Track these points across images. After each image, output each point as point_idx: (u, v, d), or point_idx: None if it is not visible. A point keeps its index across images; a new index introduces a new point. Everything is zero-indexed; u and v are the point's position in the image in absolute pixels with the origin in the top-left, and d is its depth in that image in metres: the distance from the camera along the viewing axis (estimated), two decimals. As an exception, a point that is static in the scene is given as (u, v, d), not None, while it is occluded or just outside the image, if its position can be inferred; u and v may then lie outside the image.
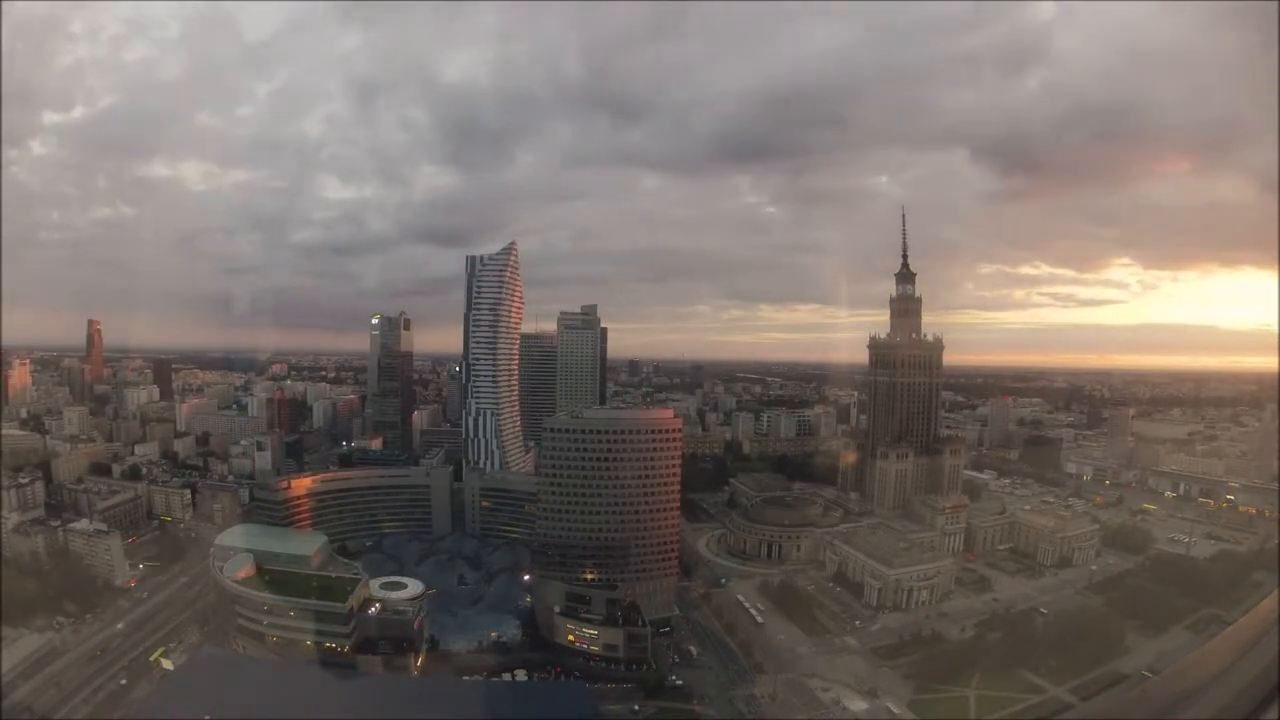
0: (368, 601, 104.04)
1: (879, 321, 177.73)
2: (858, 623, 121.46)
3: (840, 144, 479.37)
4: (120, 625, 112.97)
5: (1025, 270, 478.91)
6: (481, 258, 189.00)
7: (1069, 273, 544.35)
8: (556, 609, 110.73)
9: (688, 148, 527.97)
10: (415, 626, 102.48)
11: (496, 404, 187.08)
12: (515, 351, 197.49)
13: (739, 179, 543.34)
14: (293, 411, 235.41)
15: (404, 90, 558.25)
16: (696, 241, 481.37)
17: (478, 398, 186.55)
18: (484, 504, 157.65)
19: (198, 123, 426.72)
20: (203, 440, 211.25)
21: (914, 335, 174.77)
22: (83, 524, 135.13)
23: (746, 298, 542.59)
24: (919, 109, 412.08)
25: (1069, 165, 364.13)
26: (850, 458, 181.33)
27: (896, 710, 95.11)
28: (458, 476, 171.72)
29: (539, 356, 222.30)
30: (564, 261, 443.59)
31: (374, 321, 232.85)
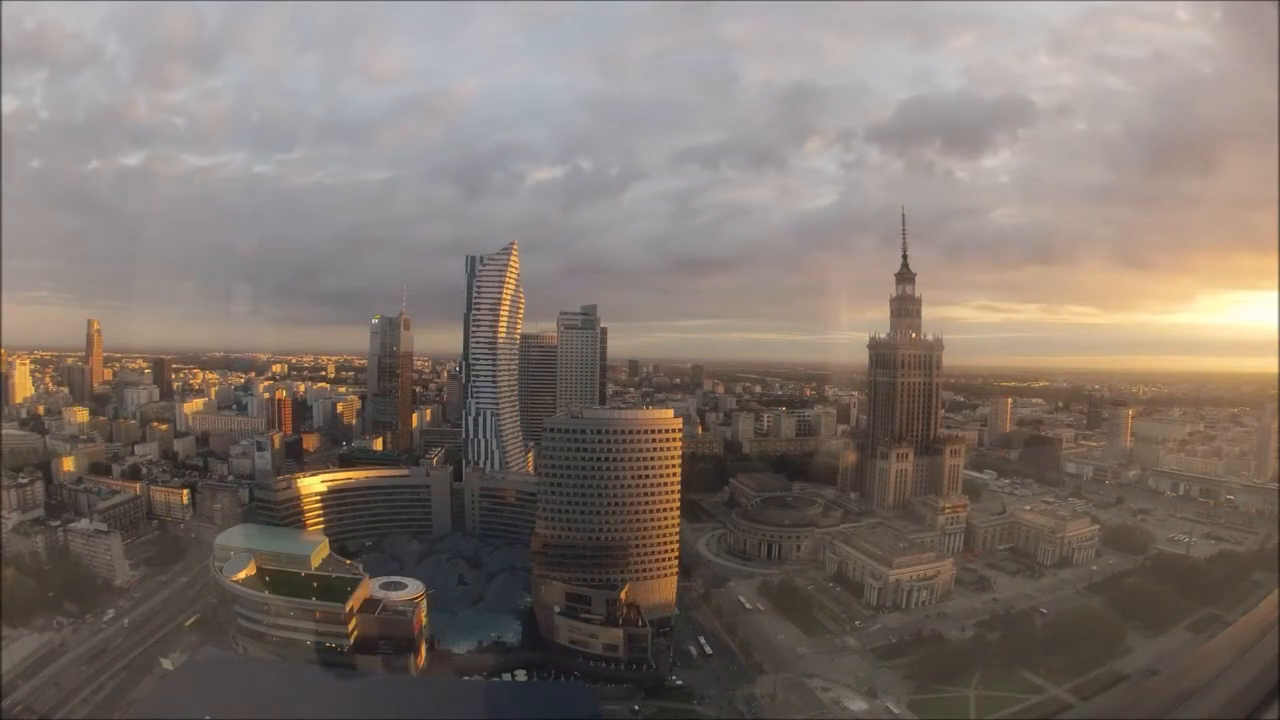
0: (368, 601, 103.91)
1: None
2: (857, 623, 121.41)
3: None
4: (120, 625, 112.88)
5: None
6: (481, 258, 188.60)
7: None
8: (556, 609, 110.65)
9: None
10: (415, 627, 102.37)
11: (496, 404, 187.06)
12: (515, 351, 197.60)
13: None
14: (293, 411, 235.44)
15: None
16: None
17: (478, 398, 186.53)
18: (483, 504, 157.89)
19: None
20: (203, 440, 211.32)
21: (914, 335, 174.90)
22: (83, 524, 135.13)
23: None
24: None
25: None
26: (850, 458, 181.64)
27: (896, 710, 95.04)
28: (458, 476, 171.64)
29: (539, 356, 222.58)
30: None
31: (374, 322, 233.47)
